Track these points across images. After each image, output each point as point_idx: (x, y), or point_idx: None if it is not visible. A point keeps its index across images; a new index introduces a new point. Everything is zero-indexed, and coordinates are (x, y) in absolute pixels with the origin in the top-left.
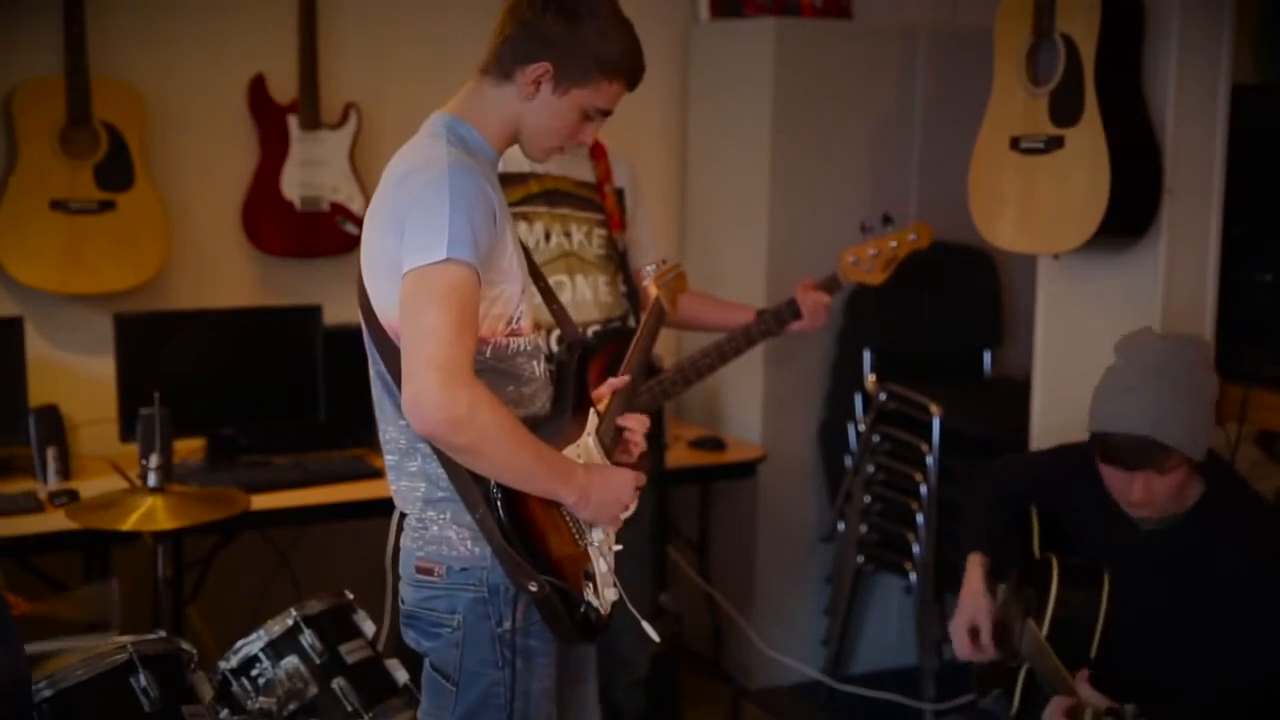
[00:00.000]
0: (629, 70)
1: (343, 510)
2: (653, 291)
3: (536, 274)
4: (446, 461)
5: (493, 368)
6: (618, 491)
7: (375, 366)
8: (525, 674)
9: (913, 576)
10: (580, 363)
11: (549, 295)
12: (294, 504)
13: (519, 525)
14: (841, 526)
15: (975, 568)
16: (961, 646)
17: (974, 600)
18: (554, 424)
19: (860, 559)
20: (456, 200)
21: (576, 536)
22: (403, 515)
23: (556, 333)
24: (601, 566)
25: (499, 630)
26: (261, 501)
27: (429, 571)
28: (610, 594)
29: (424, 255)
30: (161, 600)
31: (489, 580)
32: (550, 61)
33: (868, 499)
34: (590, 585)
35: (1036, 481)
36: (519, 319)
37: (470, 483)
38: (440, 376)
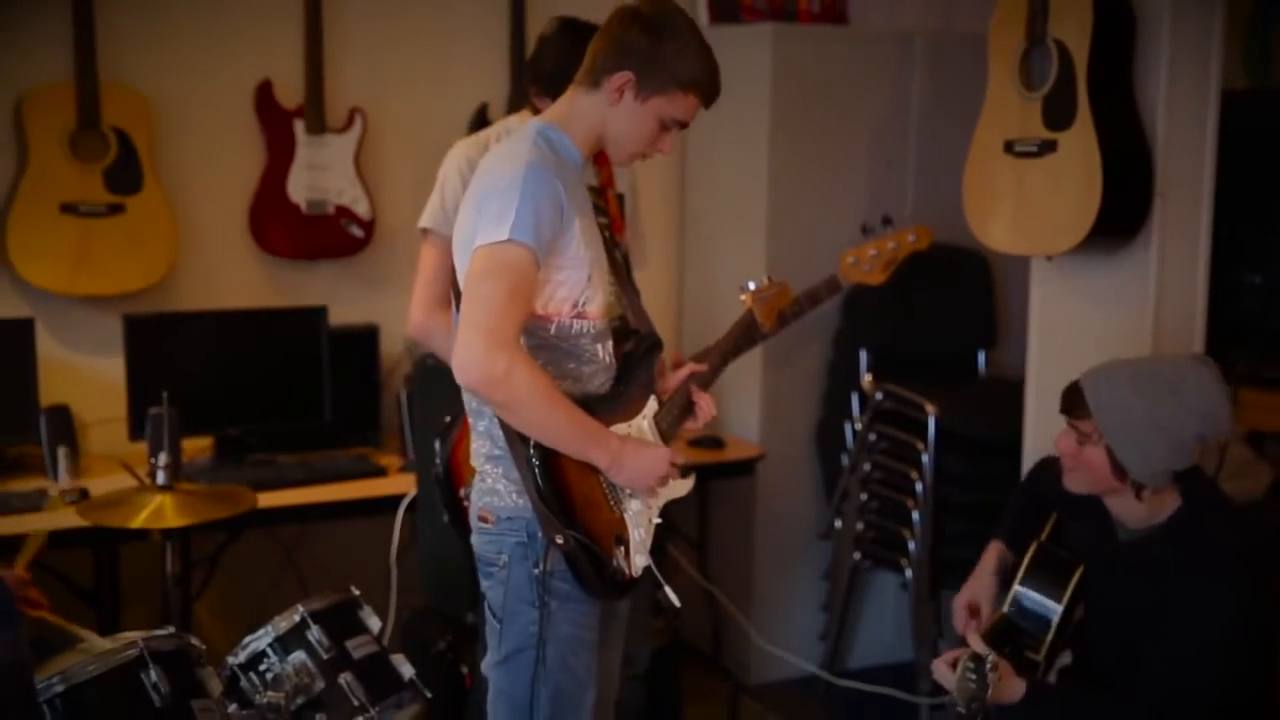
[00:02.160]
0: (705, 85)
1: (347, 508)
2: (746, 304)
3: (620, 273)
4: (504, 423)
5: (555, 345)
6: (651, 464)
7: (455, 329)
8: (557, 616)
9: (908, 573)
10: (647, 354)
11: (626, 290)
12: (300, 502)
13: (553, 484)
14: (838, 524)
15: (991, 552)
16: (958, 621)
17: (980, 580)
18: (610, 403)
19: (857, 556)
20: (527, 192)
21: (612, 503)
22: (453, 496)
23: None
24: (637, 535)
25: (536, 571)
26: (268, 499)
27: (485, 519)
28: (640, 560)
29: (491, 234)
30: (170, 597)
31: (529, 529)
32: (633, 70)
33: (864, 497)
34: (621, 549)
35: (1053, 481)
36: (585, 303)
37: (518, 443)
38: (484, 339)
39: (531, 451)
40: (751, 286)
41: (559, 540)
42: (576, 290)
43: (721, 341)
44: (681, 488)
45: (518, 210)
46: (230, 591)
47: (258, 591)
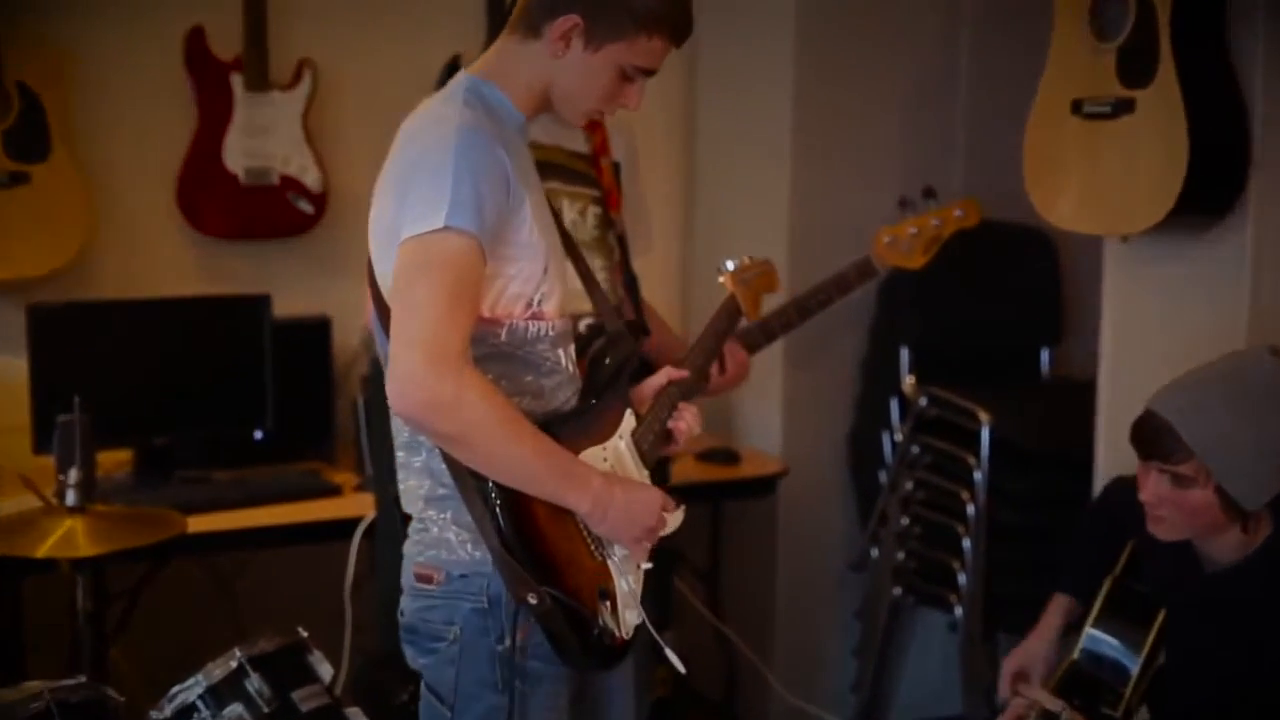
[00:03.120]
0: (672, 24)
1: (295, 533)
2: (728, 288)
3: (576, 255)
4: (449, 455)
5: (508, 354)
6: (641, 510)
7: (381, 350)
8: (528, 701)
9: (958, 611)
10: (619, 357)
11: (589, 280)
12: (238, 526)
13: (521, 529)
14: (875, 553)
15: (1052, 610)
16: (1003, 689)
17: (1037, 645)
18: (578, 422)
19: (897, 591)
20: (462, 164)
21: (593, 549)
22: (406, 520)
23: (586, 321)
24: (623, 585)
25: (499, 648)
26: (200, 523)
27: (428, 578)
28: (631, 617)
29: (421, 223)
30: (82, 639)
31: (490, 590)
32: (580, 14)
33: (905, 521)
34: (607, 605)
35: (1128, 507)
36: (540, 300)
37: (469, 477)
38: (424, 356)
39: (491, 486)
40: (730, 267)
41: (531, 600)
42: (531, 285)
43: (703, 338)
44: (671, 522)
45: (454, 189)
46: (154, 633)
47: (187, 633)
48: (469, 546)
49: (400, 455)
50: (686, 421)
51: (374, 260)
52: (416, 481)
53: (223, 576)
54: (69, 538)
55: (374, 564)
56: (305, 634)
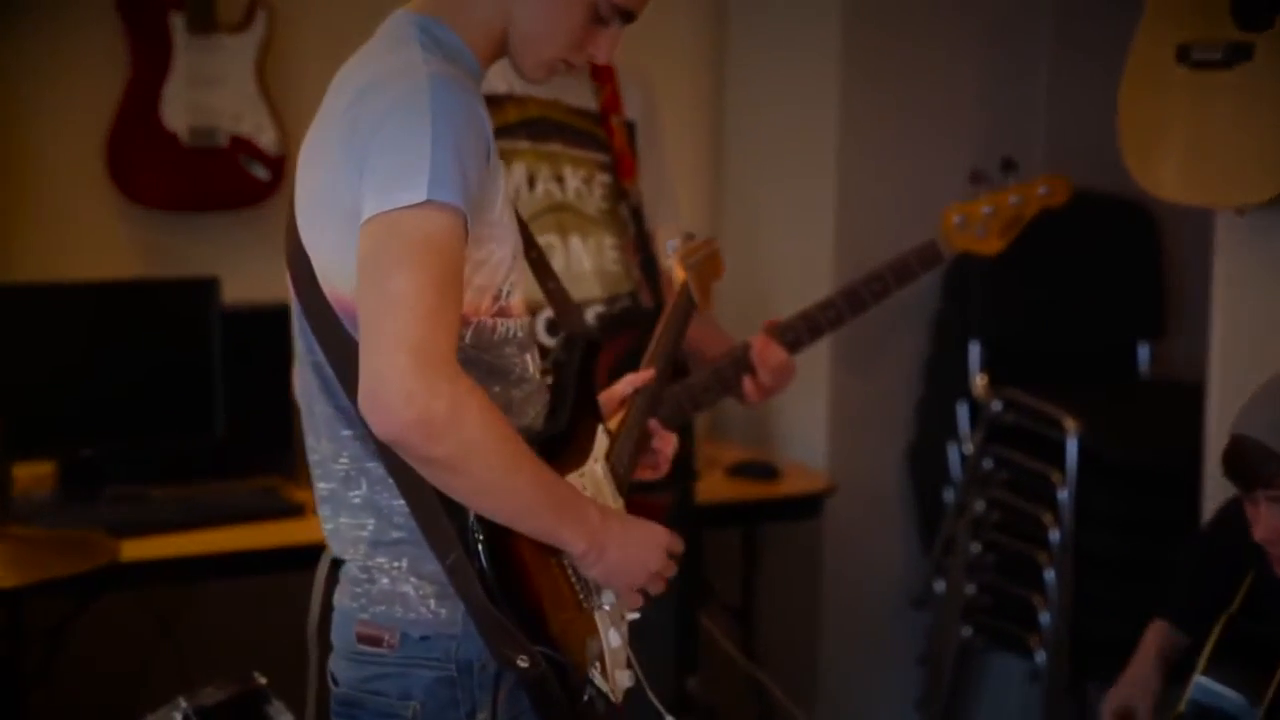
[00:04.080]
0: None
1: (248, 561)
2: (679, 274)
3: (525, 237)
4: (407, 488)
5: (474, 359)
6: (643, 551)
7: (310, 356)
8: None
9: (1039, 657)
10: (585, 363)
11: (541, 267)
12: (180, 552)
13: (505, 576)
14: (940, 587)
15: (1152, 638)
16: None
17: (1137, 678)
18: (550, 445)
19: (966, 632)
20: (441, 123)
21: (581, 597)
22: (337, 563)
23: (545, 315)
24: (613, 640)
25: None
26: (135, 549)
27: (375, 640)
28: (624, 678)
29: (395, 196)
30: None
31: (459, 654)
32: None
33: (977, 548)
34: (597, 664)
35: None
36: (508, 293)
37: (440, 516)
38: (414, 361)
39: (474, 523)
40: (674, 247)
41: (522, 663)
42: (499, 274)
43: (660, 338)
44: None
45: (434, 154)
46: (82, 678)
47: (121, 678)
48: (432, 602)
49: (326, 486)
50: (667, 436)
51: (305, 242)
52: (354, 520)
53: (163, 612)
54: None
55: None
56: (263, 680)
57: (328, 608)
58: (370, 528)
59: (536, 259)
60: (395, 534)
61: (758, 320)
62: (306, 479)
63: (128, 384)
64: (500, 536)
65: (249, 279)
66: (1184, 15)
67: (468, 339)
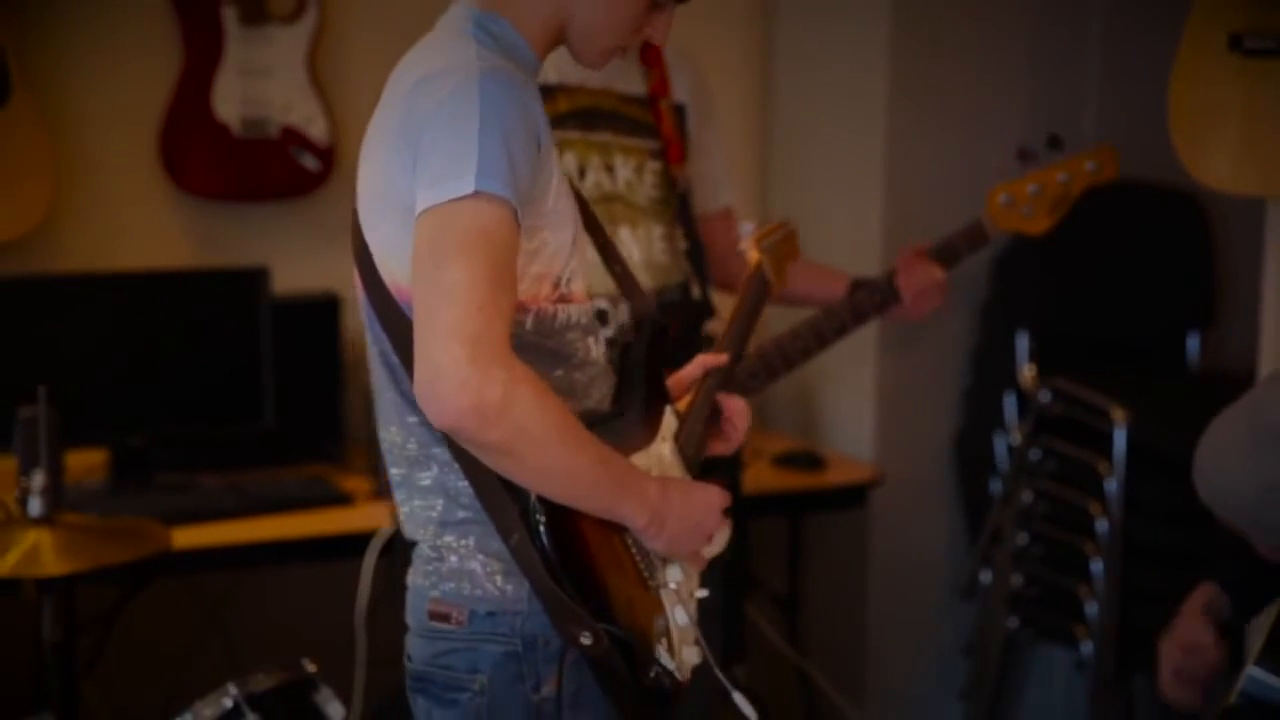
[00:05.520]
0: None
1: (298, 549)
2: (753, 256)
3: (593, 224)
4: (471, 470)
5: (535, 344)
6: (702, 514)
7: (376, 346)
8: None
9: (1085, 647)
10: (652, 345)
11: (609, 252)
12: (230, 540)
13: (568, 555)
14: (986, 577)
15: (1197, 596)
16: (1167, 675)
17: (1189, 622)
18: (615, 425)
19: (1013, 623)
20: (489, 117)
21: (645, 575)
22: (410, 546)
23: (601, 304)
24: (680, 618)
25: (535, 698)
26: (185, 537)
27: (445, 617)
28: (691, 655)
29: (445, 189)
30: (50, 671)
31: (524, 630)
32: None
33: (1024, 539)
34: (664, 641)
35: None
36: (569, 280)
37: (503, 497)
38: (468, 350)
39: (536, 506)
40: (749, 230)
41: (585, 640)
42: (558, 261)
43: (734, 319)
44: (718, 539)
45: (480, 146)
46: (133, 666)
47: (171, 665)
48: (498, 579)
49: (398, 471)
50: (741, 412)
51: (366, 236)
52: (425, 502)
53: (213, 600)
54: (33, 554)
55: (390, 585)
56: (312, 668)
57: (376, 591)
58: (439, 508)
59: (604, 243)
60: (462, 513)
61: None
62: (355, 467)
63: (178, 373)
64: (562, 516)
65: (299, 269)
66: (1236, 3)
67: (529, 325)
